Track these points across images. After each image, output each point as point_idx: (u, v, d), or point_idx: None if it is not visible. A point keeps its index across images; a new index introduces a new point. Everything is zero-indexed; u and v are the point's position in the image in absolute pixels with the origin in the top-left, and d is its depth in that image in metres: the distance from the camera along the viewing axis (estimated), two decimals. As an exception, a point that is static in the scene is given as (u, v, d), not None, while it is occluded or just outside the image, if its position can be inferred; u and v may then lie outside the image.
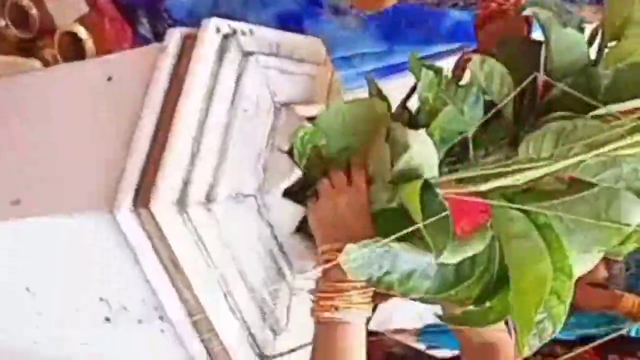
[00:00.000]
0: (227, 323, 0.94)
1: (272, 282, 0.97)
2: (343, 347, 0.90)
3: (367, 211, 0.92)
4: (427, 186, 0.87)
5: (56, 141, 1.03)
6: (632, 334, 1.64)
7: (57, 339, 1.07)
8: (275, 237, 0.97)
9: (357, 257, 0.87)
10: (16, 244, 1.00)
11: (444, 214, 0.84)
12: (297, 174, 0.95)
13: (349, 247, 0.86)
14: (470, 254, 0.89)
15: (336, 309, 0.90)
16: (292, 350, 0.99)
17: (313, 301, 0.92)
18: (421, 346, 1.74)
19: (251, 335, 0.96)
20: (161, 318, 0.96)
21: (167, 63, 0.95)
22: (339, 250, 0.87)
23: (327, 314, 0.91)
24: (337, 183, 0.93)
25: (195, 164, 0.90)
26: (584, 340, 1.51)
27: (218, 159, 0.92)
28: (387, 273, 0.89)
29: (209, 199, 0.90)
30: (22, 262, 1.02)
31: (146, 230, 0.89)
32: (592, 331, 1.54)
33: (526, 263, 0.86)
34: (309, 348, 1.00)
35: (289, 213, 0.96)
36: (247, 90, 0.96)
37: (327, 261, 0.89)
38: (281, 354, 0.98)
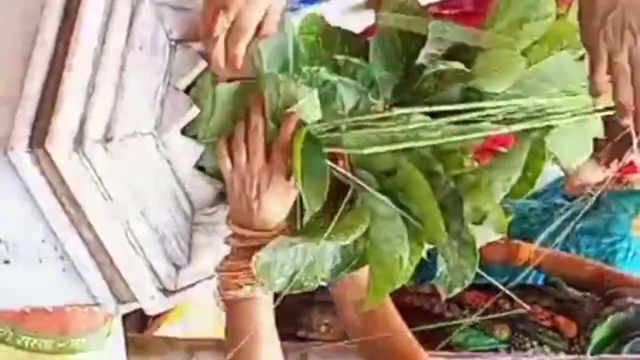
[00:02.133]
0: (129, 260, 0.98)
1: (173, 218, 1.02)
2: (251, 323, 0.95)
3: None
4: (310, 138, 0.93)
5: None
6: (540, 282, 1.74)
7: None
8: (175, 174, 1.01)
9: (267, 261, 0.94)
10: None
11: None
12: (195, 111, 0.99)
13: (259, 255, 0.93)
14: (358, 233, 0.96)
15: (240, 286, 0.95)
16: (194, 284, 1.04)
17: (218, 282, 0.97)
18: None
19: (153, 270, 1.00)
20: (62, 257, 0.99)
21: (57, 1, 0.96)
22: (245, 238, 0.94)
23: (231, 292, 0.96)
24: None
25: (92, 102, 0.92)
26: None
27: (115, 97, 0.94)
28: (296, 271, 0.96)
29: (106, 137, 0.93)
30: None
31: (43, 171, 0.92)
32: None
33: (384, 245, 0.95)
34: (211, 282, 1.06)
35: (188, 150, 1.00)
36: (142, 27, 0.98)
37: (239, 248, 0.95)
38: (183, 288, 1.03)
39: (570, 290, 1.59)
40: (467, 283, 0.97)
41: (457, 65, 0.95)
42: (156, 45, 1.00)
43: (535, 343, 1.51)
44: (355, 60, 0.98)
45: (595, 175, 1.69)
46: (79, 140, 0.91)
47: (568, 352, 1.49)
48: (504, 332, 1.53)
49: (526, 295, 1.57)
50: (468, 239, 0.95)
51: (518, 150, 0.96)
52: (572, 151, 1.02)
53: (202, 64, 1.00)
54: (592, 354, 1.46)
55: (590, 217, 1.96)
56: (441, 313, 1.60)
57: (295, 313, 1.69)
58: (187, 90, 1.00)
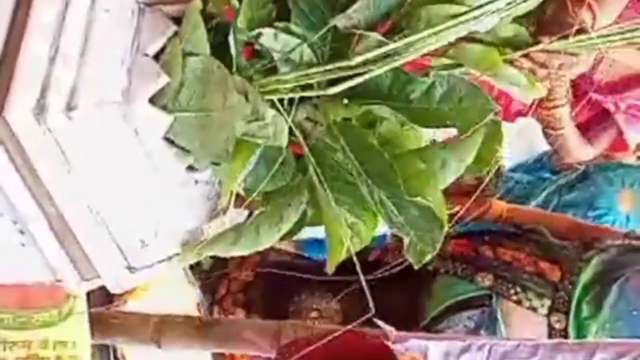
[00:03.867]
0: (92, 235, 0.98)
1: (140, 191, 1.00)
2: None
3: None
4: None
5: None
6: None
7: None
8: (142, 146, 0.99)
9: None
10: None
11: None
12: (164, 79, 0.98)
13: None
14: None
15: None
16: (161, 261, 1.04)
17: None
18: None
19: (117, 245, 1.00)
20: (21, 232, 0.98)
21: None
22: None
23: None
24: None
25: (54, 69, 0.91)
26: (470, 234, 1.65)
27: (78, 63, 0.93)
28: None
29: (69, 106, 0.92)
30: None
31: (1, 141, 0.90)
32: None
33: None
34: (175, 259, 1.06)
35: (156, 121, 0.98)
36: (109, -11, 0.98)
37: None
38: (151, 265, 1.03)
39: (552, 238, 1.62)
40: (437, 246, 0.98)
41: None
42: (124, 8, 0.98)
43: (519, 289, 1.54)
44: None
45: (584, 152, 1.72)
46: (40, 109, 0.90)
47: (552, 298, 1.51)
48: (486, 280, 1.55)
49: (508, 241, 1.61)
50: (423, 204, 0.97)
51: (475, 133, 0.98)
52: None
53: (173, 29, 0.99)
54: (578, 298, 1.50)
55: (577, 190, 1.99)
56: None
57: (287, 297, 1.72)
58: (157, 57, 0.99)
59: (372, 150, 0.98)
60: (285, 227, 1.04)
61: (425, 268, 1.17)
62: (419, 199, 0.96)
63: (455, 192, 1.12)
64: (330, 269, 1.05)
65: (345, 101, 1.00)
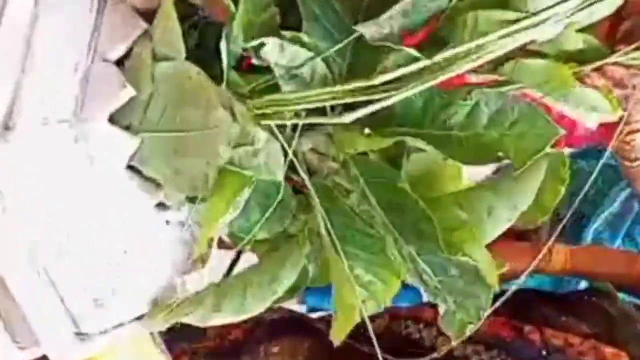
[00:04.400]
0: (31, 291, 0.88)
1: (95, 235, 0.91)
2: None
3: None
4: None
5: None
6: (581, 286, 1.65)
7: None
8: (100, 177, 0.91)
9: None
10: None
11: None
12: (129, 91, 0.89)
13: None
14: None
15: None
16: (120, 326, 0.94)
17: None
18: (302, 309, 1.76)
19: (63, 305, 0.90)
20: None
21: None
22: None
23: None
24: None
25: None
26: None
27: (19, 71, 0.86)
28: None
29: (6, 125, 0.84)
30: None
31: None
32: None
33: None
34: (137, 323, 0.95)
35: (118, 145, 0.90)
36: (57, -23, 0.88)
37: None
38: (106, 331, 0.93)
39: (623, 297, 1.49)
40: (484, 315, 0.90)
41: None
42: (78, 2, 0.91)
43: None
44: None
45: None
46: None
47: None
48: None
49: (561, 314, 1.49)
50: (466, 263, 0.88)
51: (532, 170, 0.89)
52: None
53: (141, 27, 0.91)
54: None
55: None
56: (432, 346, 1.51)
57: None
58: (120, 63, 0.91)
59: (401, 194, 0.87)
60: (281, 288, 0.94)
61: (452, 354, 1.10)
62: (460, 256, 0.86)
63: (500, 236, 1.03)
64: (335, 338, 0.96)
65: (367, 130, 0.90)
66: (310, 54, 0.89)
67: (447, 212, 0.89)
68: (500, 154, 0.85)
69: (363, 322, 0.93)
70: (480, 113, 0.86)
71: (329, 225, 0.93)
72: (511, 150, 0.84)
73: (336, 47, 0.89)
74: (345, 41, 0.89)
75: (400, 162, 0.91)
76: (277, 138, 0.88)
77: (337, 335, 0.95)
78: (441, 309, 0.91)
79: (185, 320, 0.92)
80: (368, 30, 0.86)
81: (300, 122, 0.90)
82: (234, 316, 0.93)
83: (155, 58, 0.90)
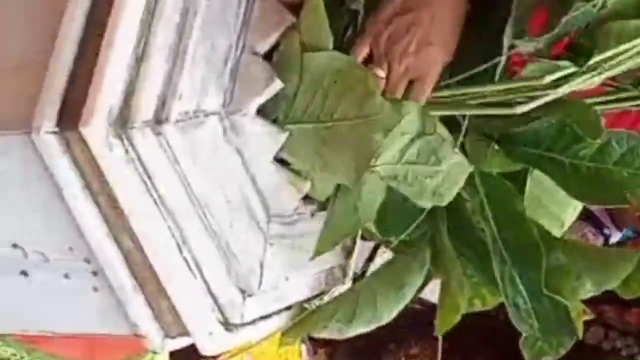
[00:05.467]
0: (181, 281, 0.91)
1: (242, 228, 0.95)
2: None
3: None
4: None
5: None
6: None
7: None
8: (246, 169, 0.94)
9: None
10: None
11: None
12: (277, 84, 0.91)
13: None
14: None
15: None
16: (266, 317, 0.98)
17: None
18: None
19: (212, 296, 0.94)
20: (94, 273, 0.93)
21: None
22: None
23: None
24: None
25: (141, 71, 0.86)
26: None
27: (170, 65, 0.88)
28: None
29: (158, 118, 0.86)
30: None
31: (74, 159, 0.86)
32: None
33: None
34: (286, 314, 1.00)
35: (265, 138, 0.93)
36: (211, -30, 0.90)
37: None
38: (252, 322, 0.97)
39: None
40: (561, 353, 0.97)
41: None
42: None
43: None
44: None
45: None
46: (121, 122, 0.85)
47: None
48: None
49: None
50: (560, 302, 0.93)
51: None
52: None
53: (289, 20, 0.93)
54: None
55: None
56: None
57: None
58: (268, 56, 0.94)
59: (517, 217, 0.92)
60: (410, 293, 0.98)
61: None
62: (555, 295, 0.91)
63: None
64: (439, 332, 1.01)
65: (495, 146, 0.93)
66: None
67: (552, 249, 0.91)
68: (627, 194, 0.86)
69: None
70: (611, 150, 0.88)
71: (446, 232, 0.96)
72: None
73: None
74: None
75: (520, 178, 0.93)
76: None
77: (440, 330, 1.00)
78: (524, 332, 0.96)
79: (323, 334, 0.96)
80: (525, 45, 0.91)
81: (467, 114, 0.91)
82: (366, 326, 0.97)
83: (303, 49, 0.93)
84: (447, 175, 0.93)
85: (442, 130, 0.92)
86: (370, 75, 0.91)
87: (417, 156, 0.92)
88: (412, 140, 0.92)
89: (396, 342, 1.73)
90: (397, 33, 0.94)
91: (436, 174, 0.92)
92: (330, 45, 0.93)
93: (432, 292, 1.06)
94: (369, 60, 0.97)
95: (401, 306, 1.00)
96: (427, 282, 1.03)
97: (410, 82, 0.95)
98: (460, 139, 0.97)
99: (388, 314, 0.99)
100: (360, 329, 0.98)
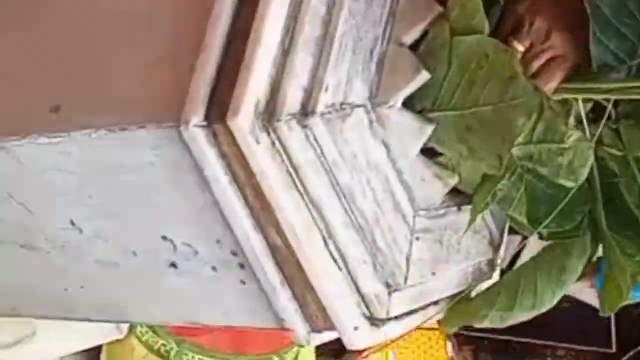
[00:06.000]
0: (327, 276, 0.92)
1: (387, 221, 0.95)
2: None
3: None
4: None
5: (102, 26, 1.01)
6: None
7: (108, 286, 1.08)
8: (392, 162, 0.94)
9: None
10: (56, 164, 1.00)
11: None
12: (424, 76, 0.91)
13: None
14: None
15: None
16: (412, 312, 0.98)
17: None
18: None
19: (358, 291, 0.94)
20: (241, 265, 0.95)
21: None
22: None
23: None
24: None
25: (287, 64, 0.87)
26: None
27: (316, 58, 0.88)
28: None
29: (304, 110, 0.87)
30: (61, 187, 1.01)
31: (222, 152, 0.88)
32: None
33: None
34: (432, 309, 0.99)
35: (411, 130, 0.93)
36: (357, -39, 0.90)
37: None
38: (397, 317, 0.96)
39: None
40: None
41: None
42: None
43: None
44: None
45: None
46: (268, 114, 0.86)
47: None
48: None
49: None
50: None
51: None
52: None
53: (437, 10, 0.92)
54: None
55: None
56: None
57: None
58: (415, 47, 0.93)
59: None
60: (570, 279, 0.96)
61: None
62: None
63: None
64: (605, 312, 0.99)
65: None
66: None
67: None
68: None
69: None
70: None
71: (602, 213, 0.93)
72: None
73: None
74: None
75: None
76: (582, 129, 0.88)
77: (607, 312, 0.99)
78: None
79: (484, 324, 0.95)
80: None
81: (609, 106, 0.89)
82: (526, 314, 0.95)
83: (452, 35, 0.92)
84: (575, 152, 0.90)
85: (555, 105, 0.89)
86: (515, 57, 0.89)
87: (544, 134, 0.90)
88: (538, 118, 0.90)
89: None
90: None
91: (565, 151, 0.90)
92: (486, 29, 0.92)
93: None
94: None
95: (562, 292, 0.99)
96: (586, 268, 1.02)
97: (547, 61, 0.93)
98: (611, 125, 0.94)
99: (550, 300, 0.98)
100: (521, 316, 0.97)
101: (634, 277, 0.94)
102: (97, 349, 1.42)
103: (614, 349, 1.92)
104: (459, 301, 1.00)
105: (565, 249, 0.98)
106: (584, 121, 0.91)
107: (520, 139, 0.88)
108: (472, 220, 0.94)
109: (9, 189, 1.06)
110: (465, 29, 0.92)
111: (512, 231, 1.08)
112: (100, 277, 1.07)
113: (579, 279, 1.02)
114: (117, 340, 1.37)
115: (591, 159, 0.90)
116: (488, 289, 0.99)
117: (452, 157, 0.95)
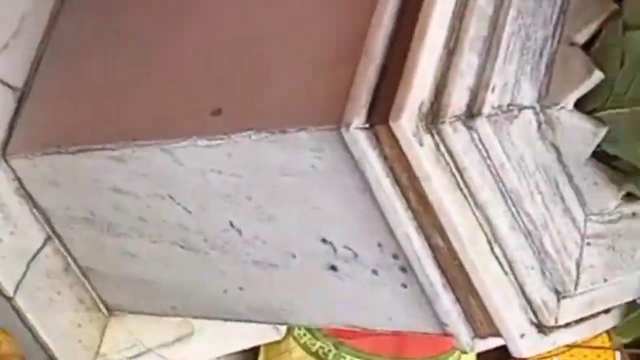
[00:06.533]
0: (492, 279, 0.91)
1: (556, 225, 0.93)
2: None
3: None
4: None
5: (265, 29, 1.02)
6: None
7: (266, 288, 1.10)
8: (563, 165, 0.92)
9: None
10: (216, 166, 1.03)
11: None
12: (597, 76, 0.89)
13: None
14: None
15: None
16: (581, 320, 0.96)
17: None
18: None
19: (525, 297, 0.93)
20: (403, 269, 0.95)
21: None
22: None
23: None
24: None
25: (452, 64, 0.86)
26: None
27: (483, 58, 0.88)
28: None
29: (470, 112, 0.86)
30: (221, 189, 1.04)
31: (384, 154, 0.88)
32: None
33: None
34: (603, 318, 0.97)
35: (583, 132, 0.91)
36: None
37: None
38: (566, 325, 0.95)
39: None
40: None
41: None
42: None
43: None
44: None
45: None
46: (432, 116, 0.86)
47: None
48: None
49: None
50: None
51: None
52: None
53: (611, 8, 0.90)
54: None
55: None
56: None
57: None
58: (587, 46, 0.91)
59: None
60: None
61: None
62: None
63: None
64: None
65: None
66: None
67: None
68: None
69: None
70: None
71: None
72: None
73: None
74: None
75: None
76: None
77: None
78: None
79: None
80: None
81: None
82: None
83: (625, 29, 0.90)
84: None
85: None
86: None
87: None
88: None
89: None
90: None
91: None
92: None
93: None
94: None
95: None
96: None
97: None
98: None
99: None
100: None
101: None
102: (255, 350, 1.45)
103: None
104: (636, 311, 0.97)
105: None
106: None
107: None
108: None
109: (170, 190, 1.09)
110: (638, 24, 0.90)
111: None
112: (259, 278, 1.09)
113: None
114: (275, 342, 1.39)
115: None
116: None
117: (627, 158, 0.92)
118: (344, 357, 1.36)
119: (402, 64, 0.87)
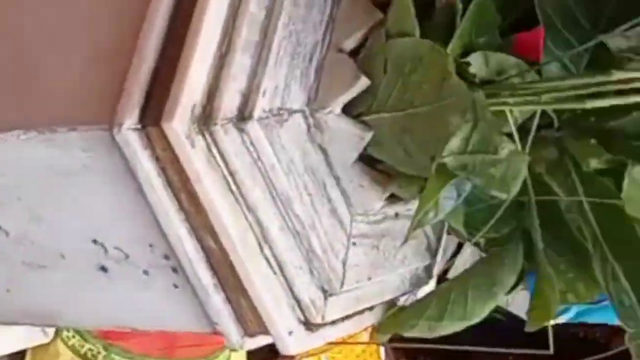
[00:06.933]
0: (262, 280, 0.92)
1: (324, 226, 0.96)
2: None
3: None
4: None
5: (38, 26, 1.00)
6: None
7: (35, 289, 1.07)
8: (330, 167, 0.95)
9: None
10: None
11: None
12: (363, 82, 0.92)
13: None
14: None
15: None
16: (347, 317, 0.99)
17: None
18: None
19: (294, 296, 0.95)
20: (174, 270, 0.95)
21: None
22: None
23: None
24: None
25: (224, 68, 0.87)
26: None
27: (254, 61, 0.89)
28: None
29: (241, 115, 0.88)
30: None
31: (156, 155, 0.88)
32: None
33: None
34: (368, 315, 1.01)
35: (350, 136, 0.94)
36: (296, -35, 0.91)
37: None
38: (333, 322, 0.97)
39: None
40: None
41: None
42: None
43: None
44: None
45: None
46: (204, 118, 0.86)
47: None
48: None
49: None
50: None
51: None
52: None
53: (377, 17, 0.94)
54: None
55: None
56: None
57: None
58: (354, 54, 0.94)
59: (617, 214, 0.91)
60: (502, 291, 0.98)
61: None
62: None
63: None
64: (530, 328, 1.00)
65: (593, 141, 0.93)
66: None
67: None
68: None
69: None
70: None
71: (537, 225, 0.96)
72: None
73: (575, 50, 0.92)
74: (584, 46, 0.92)
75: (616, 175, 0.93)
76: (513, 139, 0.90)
77: (533, 327, 1.00)
78: (630, 329, 0.94)
79: (412, 333, 0.97)
80: (613, 41, 0.89)
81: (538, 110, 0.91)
82: (457, 325, 0.97)
83: (387, 37, 0.93)
84: (508, 164, 0.91)
85: (489, 116, 0.91)
86: (449, 57, 0.89)
87: (479, 145, 0.90)
88: (473, 128, 0.90)
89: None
90: None
91: (498, 162, 0.92)
92: (417, 33, 0.92)
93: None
94: None
95: (492, 305, 1.00)
96: (519, 281, 1.03)
97: None
98: (554, 134, 0.97)
99: (479, 313, 0.99)
100: (450, 327, 0.98)
101: (563, 294, 0.97)
102: (22, 354, 1.41)
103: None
104: (394, 309, 1.02)
105: (498, 261, 1.00)
106: (514, 133, 0.92)
107: (454, 149, 0.89)
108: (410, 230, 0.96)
109: None
110: (398, 33, 0.93)
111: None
112: (28, 280, 1.07)
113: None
114: (43, 345, 1.36)
115: (523, 172, 0.92)
116: (421, 298, 1.01)
117: (390, 161, 0.95)
118: (113, 359, 1.34)
119: (175, 66, 0.87)
